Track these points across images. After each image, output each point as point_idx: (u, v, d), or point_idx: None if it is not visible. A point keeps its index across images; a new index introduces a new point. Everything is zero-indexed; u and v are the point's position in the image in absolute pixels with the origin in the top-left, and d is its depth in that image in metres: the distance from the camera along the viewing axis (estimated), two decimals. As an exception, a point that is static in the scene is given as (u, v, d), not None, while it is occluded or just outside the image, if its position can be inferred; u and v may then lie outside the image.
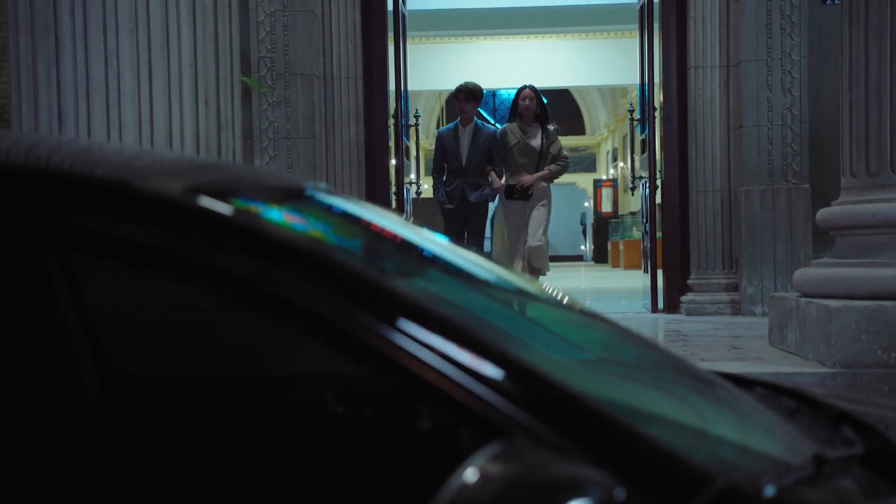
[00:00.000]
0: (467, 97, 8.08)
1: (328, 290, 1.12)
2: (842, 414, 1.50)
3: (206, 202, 1.18)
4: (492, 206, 8.23)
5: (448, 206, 8.00)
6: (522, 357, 1.15)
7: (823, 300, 4.50)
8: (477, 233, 8.08)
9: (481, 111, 8.56)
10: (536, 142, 7.86)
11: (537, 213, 7.78)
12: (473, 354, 1.09)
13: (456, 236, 7.54)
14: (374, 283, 1.16)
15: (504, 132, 7.96)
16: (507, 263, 7.19)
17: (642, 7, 8.63)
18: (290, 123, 7.43)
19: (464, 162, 7.98)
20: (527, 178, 7.74)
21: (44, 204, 1.17)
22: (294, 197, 1.49)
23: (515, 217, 7.80)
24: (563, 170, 7.99)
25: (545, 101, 8.17)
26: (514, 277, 1.68)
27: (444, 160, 8.09)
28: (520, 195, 7.71)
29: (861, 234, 4.61)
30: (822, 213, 4.95)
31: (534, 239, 7.74)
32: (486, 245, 8.84)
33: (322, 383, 1.27)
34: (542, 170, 7.81)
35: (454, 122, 8.20)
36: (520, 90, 7.99)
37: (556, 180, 8.08)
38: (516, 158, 7.85)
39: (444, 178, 8.07)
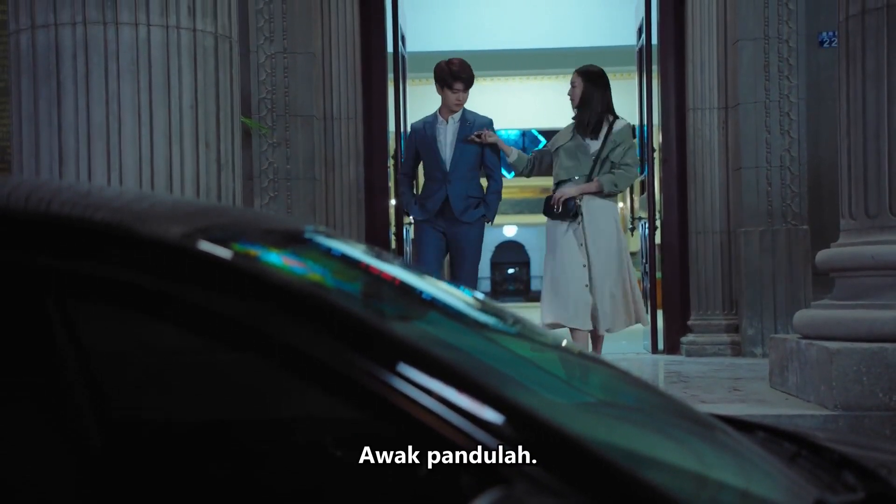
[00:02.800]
0: (468, 84, 6.14)
1: (327, 335, 1.12)
2: (843, 458, 1.49)
3: (206, 246, 1.19)
4: (488, 228, 6.34)
5: (425, 225, 6.05)
6: (522, 401, 1.15)
7: (824, 342, 4.48)
8: (467, 269, 5.98)
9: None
10: (595, 143, 5.93)
11: (600, 244, 5.77)
12: (473, 399, 1.09)
13: (433, 265, 6.05)
14: (373, 328, 1.16)
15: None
16: (560, 316, 5.83)
17: (641, 49, 8.69)
18: (289, 164, 7.45)
19: (447, 165, 6.03)
20: (567, 191, 5.81)
21: (44, 248, 1.17)
22: (294, 240, 1.49)
23: (562, 248, 5.79)
24: (624, 179, 5.93)
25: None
26: (513, 320, 1.68)
27: (417, 162, 6.31)
28: (561, 212, 5.80)
29: (861, 275, 4.61)
30: (822, 255, 4.94)
31: (604, 288, 5.74)
32: (484, 283, 8.39)
33: (320, 427, 1.26)
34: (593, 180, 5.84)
35: (431, 113, 6.38)
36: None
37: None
38: (562, 163, 5.93)
39: (422, 186, 6.29)
